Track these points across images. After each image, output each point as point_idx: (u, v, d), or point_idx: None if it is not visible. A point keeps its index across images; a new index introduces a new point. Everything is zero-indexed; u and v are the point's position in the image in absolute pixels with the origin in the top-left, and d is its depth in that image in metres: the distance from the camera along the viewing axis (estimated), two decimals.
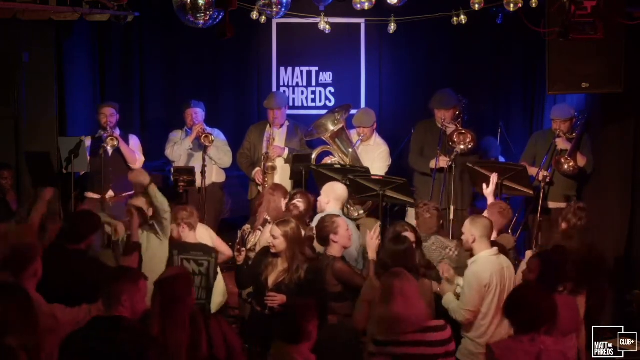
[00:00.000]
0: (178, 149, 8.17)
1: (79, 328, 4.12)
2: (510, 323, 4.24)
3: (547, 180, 7.49)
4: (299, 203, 6.34)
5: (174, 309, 4.20)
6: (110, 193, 7.89)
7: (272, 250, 5.54)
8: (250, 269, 5.77)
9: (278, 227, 5.52)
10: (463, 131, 7.53)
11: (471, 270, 5.41)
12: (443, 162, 7.57)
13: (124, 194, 7.93)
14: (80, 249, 5.32)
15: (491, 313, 5.38)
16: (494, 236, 5.79)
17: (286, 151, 8.04)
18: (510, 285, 5.38)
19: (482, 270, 5.38)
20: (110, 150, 7.91)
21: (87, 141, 7.90)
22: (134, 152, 8.07)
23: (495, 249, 5.53)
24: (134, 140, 8.20)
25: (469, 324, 5.40)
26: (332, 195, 6.58)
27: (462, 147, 7.51)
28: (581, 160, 7.50)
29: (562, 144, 7.54)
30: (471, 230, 5.51)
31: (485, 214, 6.17)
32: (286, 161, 8.01)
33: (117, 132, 7.95)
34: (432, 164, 7.70)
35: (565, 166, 7.43)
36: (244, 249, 6.04)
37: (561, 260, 5.07)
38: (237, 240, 6.29)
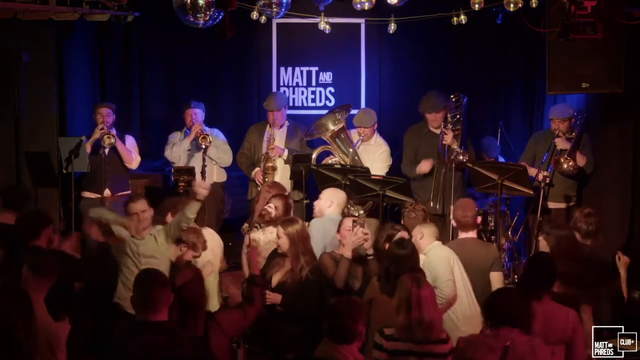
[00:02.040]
0: (177, 149, 8.16)
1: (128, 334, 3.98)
2: (484, 318, 4.32)
3: (547, 181, 7.49)
4: (270, 208, 6.25)
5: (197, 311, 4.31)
6: (107, 192, 7.88)
7: (279, 250, 5.56)
8: (262, 270, 5.77)
9: (282, 226, 5.54)
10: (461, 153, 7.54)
11: (433, 253, 5.66)
12: (426, 165, 7.65)
13: (120, 194, 7.94)
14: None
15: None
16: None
17: (286, 152, 8.03)
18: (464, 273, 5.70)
19: (440, 249, 5.76)
20: (107, 149, 7.91)
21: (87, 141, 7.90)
22: (131, 151, 8.07)
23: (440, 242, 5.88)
24: (130, 140, 8.20)
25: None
26: (336, 200, 6.60)
27: (460, 157, 7.51)
28: (581, 160, 7.50)
29: (561, 143, 7.54)
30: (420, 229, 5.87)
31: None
32: (286, 162, 8.01)
33: (114, 132, 7.95)
34: (419, 170, 7.74)
35: (565, 165, 7.43)
36: None
37: (545, 265, 4.97)
38: (247, 243, 6.26)
